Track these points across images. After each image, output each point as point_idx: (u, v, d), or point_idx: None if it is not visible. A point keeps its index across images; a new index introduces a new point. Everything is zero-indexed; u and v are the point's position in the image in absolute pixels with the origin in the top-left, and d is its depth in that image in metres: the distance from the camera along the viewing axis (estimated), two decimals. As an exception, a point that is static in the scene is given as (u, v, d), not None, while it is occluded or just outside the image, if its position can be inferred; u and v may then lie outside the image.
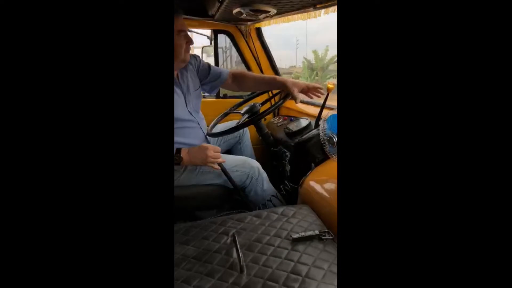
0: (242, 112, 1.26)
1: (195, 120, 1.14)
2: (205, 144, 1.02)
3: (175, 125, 1.03)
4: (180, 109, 1.08)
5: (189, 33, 1.04)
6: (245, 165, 1.10)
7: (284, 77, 1.21)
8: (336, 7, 0.92)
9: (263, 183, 1.09)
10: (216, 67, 1.24)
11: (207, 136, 1.22)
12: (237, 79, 1.25)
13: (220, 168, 1.03)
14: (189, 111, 1.12)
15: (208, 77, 1.22)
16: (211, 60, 1.61)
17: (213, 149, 1.01)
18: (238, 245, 0.66)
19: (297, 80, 1.13)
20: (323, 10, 0.97)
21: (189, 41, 1.03)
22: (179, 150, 1.00)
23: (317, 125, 1.08)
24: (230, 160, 1.12)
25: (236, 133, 1.32)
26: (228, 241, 0.70)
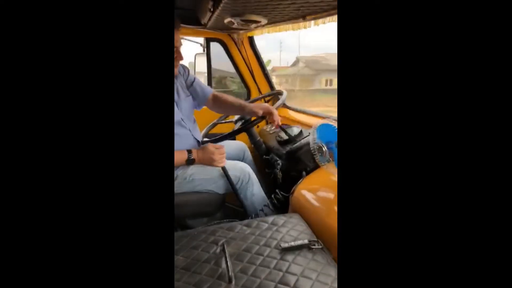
0: (234, 120, 1.26)
1: (186, 127, 1.14)
2: (210, 148, 1.05)
3: None
4: None
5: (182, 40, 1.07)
6: (236, 168, 1.10)
7: (260, 104, 1.21)
8: (325, 19, 0.93)
9: (253, 187, 1.09)
10: (201, 83, 1.25)
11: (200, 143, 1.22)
12: (217, 101, 1.26)
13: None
14: (181, 118, 1.12)
15: (189, 91, 1.22)
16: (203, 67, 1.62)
17: (218, 153, 1.04)
18: (227, 255, 0.66)
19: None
20: (312, 22, 0.99)
21: (179, 57, 1.07)
22: (190, 150, 1.03)
23: (296, 138, 1.17)
24: None
25: (235, 155, 1.32)
26: (218, 250, 0.70)
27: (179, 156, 1.05)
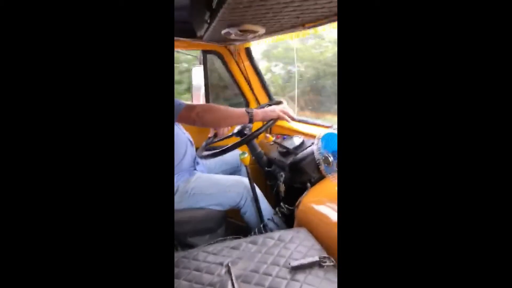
0: (233, 132, 1.23)
1: (179, 127, 1.15)
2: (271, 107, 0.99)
3: None
4: None
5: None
6: (239, 185, 1.07)
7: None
8: (324, 27, 0.92)
9: (258, 203, 1.05)
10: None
11: (199, 158, 1.19)
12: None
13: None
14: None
15: None
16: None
17: (279, 107, 0.98)
18: (233, 277, 0.61)
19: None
20: (311, 30, 0.98)
21: None
22: (251, 109, 0.96)
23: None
24: (223, 180, 1.09)
25: (234, 162, 1.29)
26: (223, 272, 0.65)
27: (239, 115, 0.96)
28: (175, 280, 0.64)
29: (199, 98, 1.62)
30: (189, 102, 1.44)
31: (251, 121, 0.96)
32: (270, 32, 1.08)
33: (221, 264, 0.68)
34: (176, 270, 0.68)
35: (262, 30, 1.00)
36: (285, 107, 1.00)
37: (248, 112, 0.95)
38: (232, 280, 0.61)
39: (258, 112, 0.96)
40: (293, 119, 1.00)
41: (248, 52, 1.56)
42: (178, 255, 0.74)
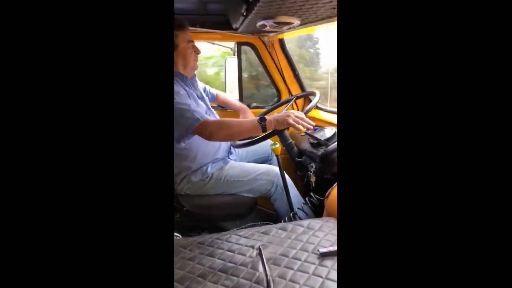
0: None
1: (211, 116, 1.16)
2: (287, 112, 0.98)
3: None
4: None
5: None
6: (269, 173, 1.10)
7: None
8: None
9: (289, 191, 1.08)
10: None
11: (232, 147, 1.23)
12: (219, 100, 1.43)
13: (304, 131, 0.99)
14: (206, 109, 1.15)
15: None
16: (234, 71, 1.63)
17: (294, 115, 0.96)
18: (264, 259, 0.65)
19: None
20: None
21: (197, 51, 1.13)
22: (264, 118, 0.98)
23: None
24: (253, 168, 1.13)
25: (265, 152, 1.33)
26: (254, 254, 0.69)
27: (252, 127, 0.98)
28: (210, 259, 0.69)
29: (232, 89, 1.66)
30: (223, 93, 1.50)
31: (264, 131, 0.98)
32: (305, 23, 1.08)
33: (252, 247, 0.72)
34: (210, 249, 0.73)
35: (297, 22, 1.01)
36: (299, 113, 0.96)
37: (260, 123, 0.97)
38: (263, 261, 0.65)
39: (271, 121, 0.96)
40: (303, 129, 0.95)
41: (281, 43, 1.57)
42: (212, 236, 0.79)
